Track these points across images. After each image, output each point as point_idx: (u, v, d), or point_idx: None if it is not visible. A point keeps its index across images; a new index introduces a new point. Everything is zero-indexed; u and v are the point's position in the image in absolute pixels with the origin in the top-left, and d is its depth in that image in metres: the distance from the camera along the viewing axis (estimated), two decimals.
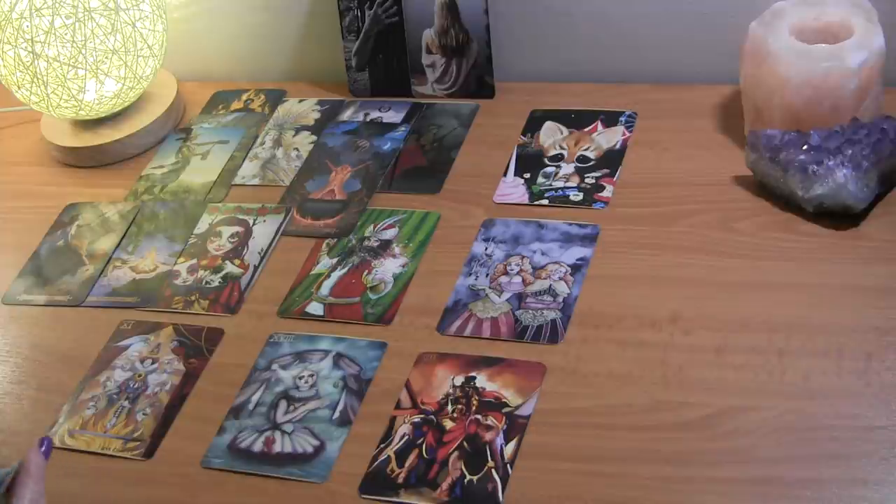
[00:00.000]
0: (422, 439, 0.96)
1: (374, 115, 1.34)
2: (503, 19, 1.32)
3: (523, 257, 1.11)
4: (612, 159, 1.20)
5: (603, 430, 0.94)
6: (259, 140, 1.35)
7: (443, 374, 1.01)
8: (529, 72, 1.35)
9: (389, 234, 1.17)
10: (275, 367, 1.06)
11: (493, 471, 0.92)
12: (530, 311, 1.05)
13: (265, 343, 1.08)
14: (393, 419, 0.98)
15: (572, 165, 1.20)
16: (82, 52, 1.27)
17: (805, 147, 1.07)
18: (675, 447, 0.91)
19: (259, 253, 1.18)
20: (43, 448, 0.84)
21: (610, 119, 1.25)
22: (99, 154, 1.36)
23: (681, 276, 1.05)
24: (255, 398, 1.03)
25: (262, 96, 1.42)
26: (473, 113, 1.31)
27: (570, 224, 1.13)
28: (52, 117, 1.39)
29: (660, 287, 1.05)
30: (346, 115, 1.36)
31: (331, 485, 0.95)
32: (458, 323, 1.06)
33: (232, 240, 1.21)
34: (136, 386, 1.07)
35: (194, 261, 1.19)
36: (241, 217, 1.24)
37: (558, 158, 1.22)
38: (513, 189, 1.19)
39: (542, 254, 1.11)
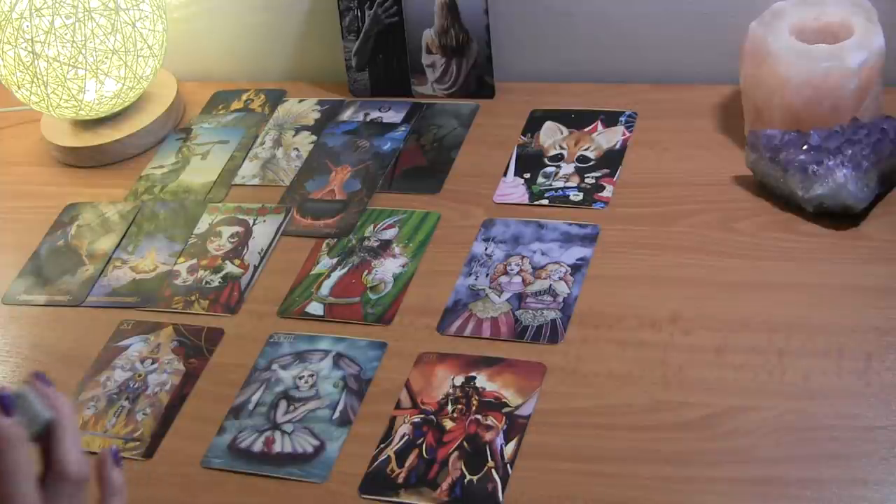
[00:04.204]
0: (422, 439, 0.96)
1: (374, 115, 1.34)
2: (503, 19, 1.32)
3: (523, 257, 1.11)
4: (612, 159, 1.20)
5: (603, 430, 0.94)
6: (259, 140, 1.35)
7: (443, 374, 1.01)
8: (529, 72, 1.35)
9: (389, 234, 1.17)
10: (275, 367, 1.06)
11: (493, 471, 0.92)
12: (530, 311, 1.05)
13: (265, 343, 1.08)
14: (393, 419, 0.98)
15: (572, 165, 1.20)
16: (82, 52, 1.27)
17: (805, 147, 1.07)
18: (675, 447, 0.91)
19: (259, 253, 1.18)
20: (117, 459, 0.76)
21: (610, 119, 1.25)
22: (99, 154, 1.36)
23: (681, 276, 1.05)
24: (255, 398, 1.03)
25: (262, 96, 1.42)
26: (473, 113, 1.31)
27: (570, 224, 1.13)
28: (52, 117, 1.39)
29: (660, 287, 1.05)
30: (346, 115, 1.36)
31: (331, 485, 0.95)
32: (458, 323, 1.06)
33: (232, 240, 1.21)
34: (136, 386, 1.07)
35: (194, 261, 1.19)
36: (241, 217, 1.24)
37: (558, 158, 1.22)
38: (513, 189, 1.19)
39: (542, 254, 1.11)
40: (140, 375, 1.08)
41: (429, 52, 1.33)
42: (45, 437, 0.72)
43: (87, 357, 1.11)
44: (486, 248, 1.13)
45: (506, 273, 1.10)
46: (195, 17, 1.45)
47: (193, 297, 1.15)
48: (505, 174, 1.22)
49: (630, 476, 0.90)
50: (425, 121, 1.32)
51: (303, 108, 1.38)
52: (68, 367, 1.11)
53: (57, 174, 1.38)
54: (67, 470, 0.71)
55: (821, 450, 0.89)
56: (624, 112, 1.26)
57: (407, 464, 0.94)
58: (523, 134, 1.26)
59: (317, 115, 1.37)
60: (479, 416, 0.97)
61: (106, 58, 1.29)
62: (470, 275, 1.10)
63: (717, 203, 1.12)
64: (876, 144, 1.06)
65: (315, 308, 1.11)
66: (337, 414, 1.00)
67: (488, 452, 0.94)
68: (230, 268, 1.18)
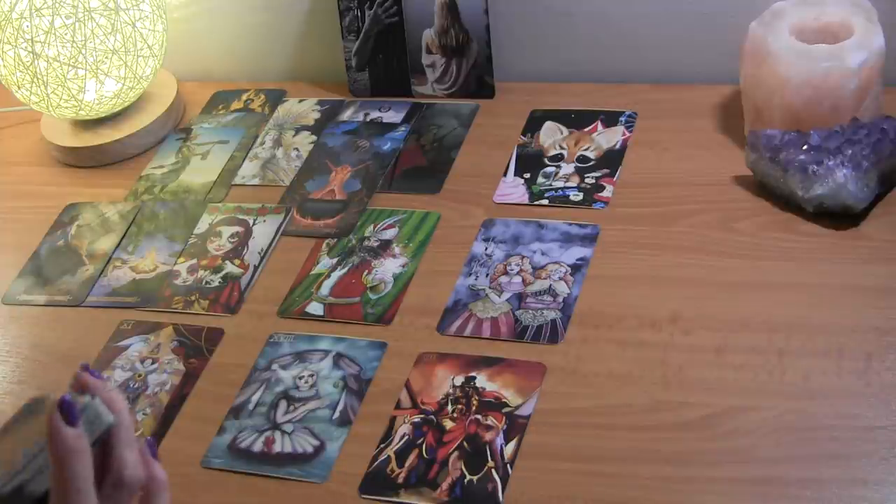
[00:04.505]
0: (422, 439, 0.96)
1: (374, 115, 1.34)
2: (503, 19, 1.32)
3: (523, 257, 1.11)
4: (612, 159, 1.20)
5: (603, 430, 0.94)
6: (259, 140, 1.35)
7: (443, 374, 1.01)
8: (529, 72, 1.35)
9: (389, 234, 1.17)
10: (275, 367, 1.06)
11: (493, 471, 0.92)
12: (530, 311, 1.05)
13: (265, 343, 1.08)
14: (393, 419, 0.98)
15: (572, 165, 1.20)
16: (82, 52, 1.27)
17: (805, 147, 1.07)
18: (675, 447, 0.91)
19: (259, 253, 1.18)
20: (153, 451, 0.75)
21: (610, 119, 1.25)
22: (99, 154, 1.36)
23: (681, 276, 1.05)
24: (255, 398, 1.03)
25: (262, 96, 1.42)
26: (473, 113, 1.31)
27: (570, 224, 1.13)
28: (52, 117, 1.39)
29: (660, 287, 1.05)
30: (346, 115, 1.36)
31: (331, 485, 0.95)
32: (458, 323, 1.06)
33: (232, 240, 1.21)
34: (136, 386, 1.07)
35: (194, 261, 1.19)
36: (241, 217, 1.24)
37: (558, 158, 1.22)
38: (513, 189, 1.19)
39: (542, 254, 1.11)
40: (140, 375, 1.08)
41: (429, 52, 1.33)
42: (104, 441, 0.71)
43: (87, 357, 1.11)
44: (486, 248, 1.13)
45: (506, 273, 1.10)
46: (195, 17, 1.45)
47: (193, 297, 1.15)
48: (505, 174, 1.22)
49: (630, 476, 0.90)
50: (425, 121, 1.32)
51: (303, 108, 1.38)
52: (68, 367, 1.10)
53: (57, 174, 1.38)
54: (125, 475, 0.70)
55: (821, 450, 0.89)
56: (624, 112, 1.26)
57: (407, 464, 0.94)
58: (523, 134, 1.26)
59: (317, 115, 1.37)
60: (479, 416, 0.97)
61: (106, 58, 1.29)
62: (470, 275, 1.10)
63: (717, 203, 1.12)
64: (876, 144, 1.06)
65: (315, 308, 1.11)
66: (337, 414, 1.00)
67: (488, 452, 0.94)
68: (230, 268, 1.18)
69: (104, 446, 0.71)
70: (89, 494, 0.68)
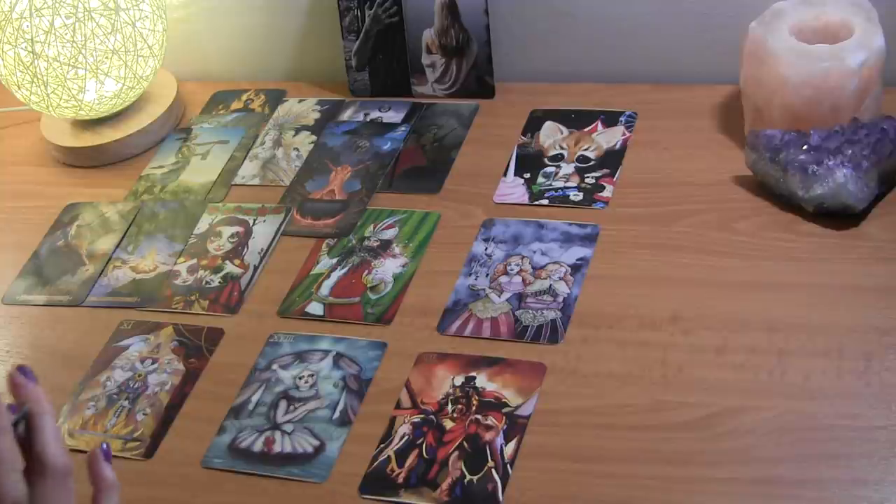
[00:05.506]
0: (422, 439, 0.96)
1: (374, 115, 1.34)
2: (503, 19, 1.32)
3: (523, 257, 1.11)
4: (612, 159, 1.20)
5: (603, 430, 0.94)
6: (259, 140, 1.35)
7: (443, 374, 1.01)
8: (529, 72, 1.35)
9: (389, 234, 1.17)
10: (275, 367, 1.06)
11: (493, 471, 0.92)
12: (530, 311, 1.05)
13: (265, 343, 1.08)
14: (393, 419, 0.98)
15: (572, 165, 1.20)
16: (82, 52, 1.27)
17: (805, 147, 1.07)
18: (675, 447, 0.91)
19: (259, 253, 1.18)
20: (108, 456, 0.75)
21: (610, 119, 1.25)
22: (99, 154, 1.36)
23: (681, 276, 1.05)
24: (255, 398, 1.03)
25: (262, 96, 1.42)
26: (473, 113, 1.31)
27: (570, 224, 1.13)
28: (52, 117, 1.39)
29: (660, 287, 1.05)
30: (346, 115, 1.36)
31: (331, 485, 0.95)
32: (458, 323, 1.06)
33: (232, 240, 1.21)
34: (136, 386, 1.07)
35: (194, 261, 1.19)
36: (241, 217, 1.24)
37: (558, 158, 1.22)
38: (513, 189, 1.19)
39: (542, 254, 1.11)
40: (140, 375, 1.08)
41: (429, 52, 1.33)
42: (23, 431, 0.70)
43: (87, 357, 1.11)
44: (486, 248, 1.13)
45: (506, 273, 1.10)
46: (195, 17, 1.45)
47: (193, 297, 1.15)
48: (505, 174, 1.22)
49: (630, 476, 0.90)
50: (425, 121, 1.32)
51: (303, 108, 1.38)
52: (68, 367, 1.11)
53: (57, 174, 1.38)
54: (49, 461, 0.69)
55: (821, 450, 0.89)
56: (624, 112, 1.26)
57: (407, 464, 0.94)
58: (523, 134, 1.26)
59: (317, 115, 1.37)
60: (479, 416, 0.97)
61: (106, 58, 1.29)
62: (470, 275, 1.10)
63: (717, 203, 1.12)
64: (876, 144, 1.06)
65: (315, 308, 1.11)
66: (337, 414, 1.00)
67: (488, 452, 0.94)
68: (230, 268, 1.18)
69: (24, 437, 0.70)
70: (14, 475, 0.68)
